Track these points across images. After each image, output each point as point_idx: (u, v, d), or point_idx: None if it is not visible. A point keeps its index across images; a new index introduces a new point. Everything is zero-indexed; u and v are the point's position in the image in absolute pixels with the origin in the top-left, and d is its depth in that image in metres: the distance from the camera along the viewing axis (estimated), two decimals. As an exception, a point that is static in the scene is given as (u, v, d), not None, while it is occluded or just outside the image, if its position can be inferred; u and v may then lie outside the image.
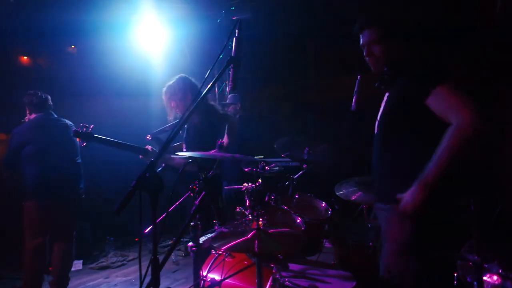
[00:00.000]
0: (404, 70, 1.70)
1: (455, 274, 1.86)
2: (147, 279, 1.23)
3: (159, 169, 3.07)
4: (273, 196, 2.87)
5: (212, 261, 2.37)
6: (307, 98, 5.40)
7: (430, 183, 1.53)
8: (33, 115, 3.36)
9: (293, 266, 2.23)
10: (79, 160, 3.50)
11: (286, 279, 2.01)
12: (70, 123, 3.50)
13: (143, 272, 1.22)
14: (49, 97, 3.44)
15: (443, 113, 1.53)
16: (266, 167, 3.03)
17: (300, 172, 3.16)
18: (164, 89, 3.23)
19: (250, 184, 2.73)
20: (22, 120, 3.41)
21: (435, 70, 1.61)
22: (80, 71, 5.06)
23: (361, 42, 1.83)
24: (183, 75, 3.23)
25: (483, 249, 1.42)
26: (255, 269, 1.81)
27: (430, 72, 1.61)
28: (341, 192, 2.79)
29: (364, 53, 1.80)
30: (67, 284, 3.51)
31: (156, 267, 1.24)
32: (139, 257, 1.25)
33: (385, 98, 1.78)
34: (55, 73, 5.05)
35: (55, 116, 3.44)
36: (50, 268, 3.56)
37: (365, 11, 1.85)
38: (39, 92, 3.38)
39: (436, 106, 1.54)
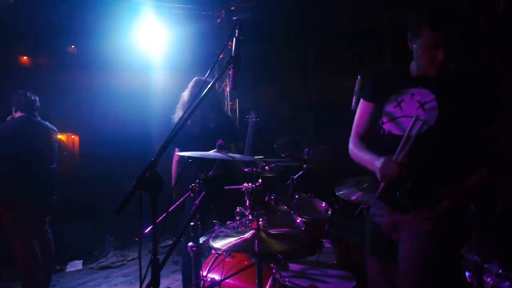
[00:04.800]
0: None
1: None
2: (147, 279, 1.23)
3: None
4: (273, 196, 2.87)
5: (212, 261, 2.37)
6: (307, 98, 5.39)
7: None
8: (17, 114, 3.36)
9: (293, 266, 2.24)
10: (54, 165, 3.47)
11: (286, 279, 2.01)
12: (52, 127, 3.49)
13: (143, 272, 1.22)
14: (37, 98, 3.42)
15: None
16: (266, 167, 3.03)
17: (300, 172, 3.16)
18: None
19: (250, 184, 2.73)
20: (8, 118, 3.41)
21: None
22: (80, 71, 5.06)
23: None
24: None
25: (483, 249, 1.43)
26: (255, 269, 1.82)
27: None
28: (341, 192, 2.79)
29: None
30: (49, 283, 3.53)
31: (156, 267, 1.24)
32: (139, 257, 1.24)
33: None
34: (55, 73, 5.05)
35: (38, 118, 3.41)
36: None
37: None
38: (29, 93, 3.37)
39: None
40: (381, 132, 1.68)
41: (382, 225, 1.66)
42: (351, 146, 1.82)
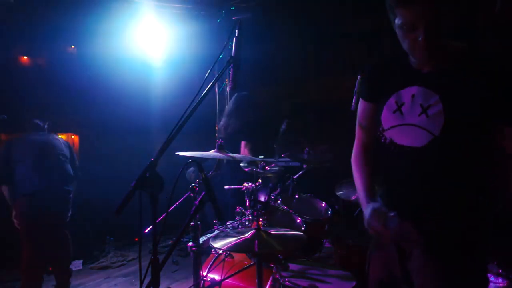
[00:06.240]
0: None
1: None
2: (147, 279, 1.23)
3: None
4: (273, 196, 2.87)
5: (212, 261, 2.38)
6: (307, 98, 5.40)
7: None
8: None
9: (293, 266, 2.24)
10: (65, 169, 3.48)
11: (286, 279, 2.01)
12: (64, 140, 3.54)
13: (143, 272, 1.22)
14: (47, 125, 3.48)
15: None
16: (266, 167, 3.03)
17: (300, 172, 3.16)
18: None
19: (250, 184, 2.74)
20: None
21: None
22: (80, 71, 5.07)
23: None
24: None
25: (488, 246, 1.41)
26: (255, 269, 1.82)
27: None
28: (341, 192, 2.79)
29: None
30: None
31: (156, 267, 1.24)
32: (139, 257, 1.24)
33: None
34: (55, 73, 5.05)
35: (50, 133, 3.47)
36: (50, 268, 3.56)
37: None
38: (41, 121, 3.44)
39: None
40: (382, 140, 1.48)
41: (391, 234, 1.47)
42: (352, 158, 1.65)
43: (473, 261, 1.34)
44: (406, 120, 1.39)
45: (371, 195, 1.51)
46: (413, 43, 1.26)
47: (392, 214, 1.38)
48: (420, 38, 1.22)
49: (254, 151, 3.60)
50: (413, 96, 1.37)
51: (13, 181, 3.22)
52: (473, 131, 1.28)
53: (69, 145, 3.56)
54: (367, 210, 1.44)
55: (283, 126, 3.69)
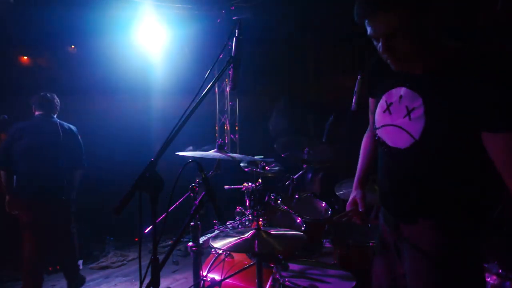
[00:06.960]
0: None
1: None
2: (147, 279, 1.23)
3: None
4: (273, 196, 2.87)
5: (212, 261, 2.38)
6: (307, 98, 5.39)
7: None
8: (36, 113, 3.40)
9: (293, 266, 2.24)
10: (65, 161, 3.46)
11: (286, 279, 2.01)
12: (71, 126, 3.51)
13: (143, 272, 1.22)
14: (56, 99, 3.47)
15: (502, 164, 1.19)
16: (266, 167, 3.03)
17: (300, 172, 3.16)
18: None
19: (250, 184, 2.74)
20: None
21: None
22: (80, 71, 5.06)
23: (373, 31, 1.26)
24: None
25: (483, 249, 1.41)
26: (255, 269, 1.82)
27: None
28: (341, 192, 2.79)
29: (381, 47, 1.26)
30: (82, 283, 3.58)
31: (156, 267, 1.24)
32: (139, 257, 1.24)
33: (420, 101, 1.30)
34: (55, 73, 5.05)
35: (55, 119, 3.42)
36: (50, 269, 3.57)
37: None
38: (48, 94, 3.42)
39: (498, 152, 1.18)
40: (376, 138, 1.51)
41: (388, 231, 1.53)
42: (363, 139, 1.81)
43: (461, 265, 1.33)
44: (393, 121, 1.39)
45: (361, 183, 1.74)
46: (380, 51, 1.29)
47: (361, 210, 1.65)
48: (380, 50, 1.27)
49: None
50: (400, 97, 1.37)
51: (12, 168, 3.23)
52: (455, 136, 1.24)
53: (73, 133, 3.54)
54: (351, 195, 1.73)
55: (331, 119, 3.72)
